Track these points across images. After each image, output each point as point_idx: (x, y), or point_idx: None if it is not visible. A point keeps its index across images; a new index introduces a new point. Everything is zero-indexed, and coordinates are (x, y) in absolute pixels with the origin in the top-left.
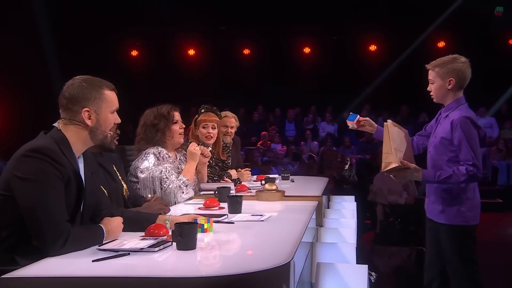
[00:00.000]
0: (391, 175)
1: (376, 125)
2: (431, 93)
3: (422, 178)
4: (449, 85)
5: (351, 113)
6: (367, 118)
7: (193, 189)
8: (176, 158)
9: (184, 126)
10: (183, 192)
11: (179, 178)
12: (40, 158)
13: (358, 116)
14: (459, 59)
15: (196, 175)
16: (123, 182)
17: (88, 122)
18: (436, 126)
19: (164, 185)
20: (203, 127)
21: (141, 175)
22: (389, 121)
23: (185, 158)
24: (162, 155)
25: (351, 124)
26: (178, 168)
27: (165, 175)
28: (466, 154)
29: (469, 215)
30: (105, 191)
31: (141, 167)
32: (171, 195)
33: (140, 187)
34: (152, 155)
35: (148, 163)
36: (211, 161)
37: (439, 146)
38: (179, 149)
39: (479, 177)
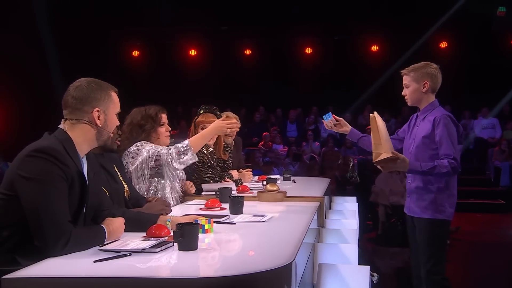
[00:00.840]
0: (378, 166)
1: (350, 126)
2: (405, 97)
3: (408, 167)
4: (423, 88)
5: (329, 112)
6: (341, 119)
7: (192, 154)
8: None
9: (170, 128)
10: (180, 155)
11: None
12: (44, 158)
13: (333, 115)
14: (431, 65)
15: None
16: (124, 183)
17: (98, 122)
18: (411, 129)
19: (157, 157)
20: (202, 129)
21: (132, 167)
22: (375, 112)
23: None
24: (144, 144)
25: (326, 123)
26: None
27: (154, 149)
28: (447, 148)
29: (450, 211)
30: (106, 192)
31: (130, 162)
32: (166, 166)
33: (133, 182)
34: (134, 147)
35: (134, 153)
36: (212, 162)
37: (421, 145)
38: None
39: (459, 170)
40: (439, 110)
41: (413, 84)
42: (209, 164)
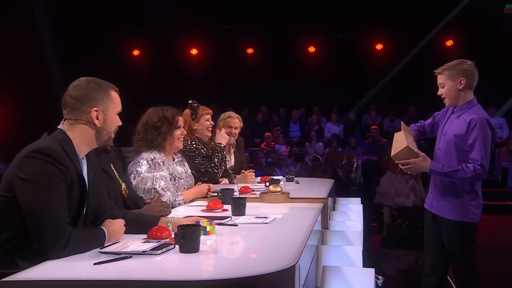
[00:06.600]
0: (400, 165)
1: None
2: (442, 96)
3: (429, 167)
4: (460, 85)
5: None
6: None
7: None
8: (173, 160)
9: (185, 132)
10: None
11: (175, 194)
12: (43, 160)
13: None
14: (466, 62)
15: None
16: (120, 181)
17: (96, 122)
18: (444, 123)
19: (157, 194)
20: (207, 120)
21: (133, 182)
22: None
23: (182, 160)
24: (155, 162)
25: None
26: (177, 172)
27: (157, 187)
28: (476, 153)
29: (476, 212)
30: (104, 191)
31: (134, 173)
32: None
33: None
34: (145, 161)
35: (140, 169)
36: (209, 152)
37: (452, 144)
38: (176, 152)
39: (485, 177)
40: (476, 111)
41: (448, 83)
42: (204, 154)
